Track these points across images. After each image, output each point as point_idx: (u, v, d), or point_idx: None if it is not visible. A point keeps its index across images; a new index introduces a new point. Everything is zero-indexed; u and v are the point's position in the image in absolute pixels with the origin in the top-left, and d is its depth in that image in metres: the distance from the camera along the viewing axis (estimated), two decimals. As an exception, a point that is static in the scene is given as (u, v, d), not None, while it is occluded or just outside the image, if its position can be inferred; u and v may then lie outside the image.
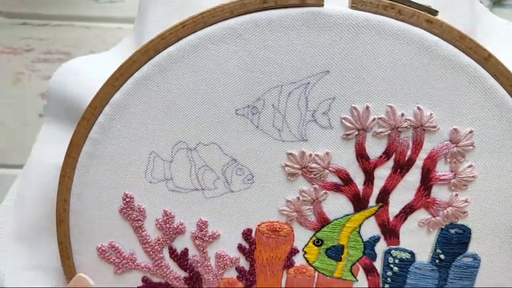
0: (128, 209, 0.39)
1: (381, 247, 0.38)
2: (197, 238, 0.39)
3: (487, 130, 0.35)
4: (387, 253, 0.38)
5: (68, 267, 0.40)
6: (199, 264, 0.40)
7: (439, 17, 0.33)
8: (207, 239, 0.39)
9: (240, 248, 0.39)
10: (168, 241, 0.39)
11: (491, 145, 0.35)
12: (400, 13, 0.33)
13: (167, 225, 0.39)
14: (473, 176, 0.36)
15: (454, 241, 0.37)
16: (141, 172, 0.38)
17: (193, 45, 0.34)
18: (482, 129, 0.35)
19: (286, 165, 0.36)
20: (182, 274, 0.40)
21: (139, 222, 0.39)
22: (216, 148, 0.36)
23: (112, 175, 0.38)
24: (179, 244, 0.40)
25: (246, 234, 0.39)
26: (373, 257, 0.39)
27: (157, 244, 0.39)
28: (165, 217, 0.39)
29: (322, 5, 0.33)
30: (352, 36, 0.33)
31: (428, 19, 0.33)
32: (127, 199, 0.38)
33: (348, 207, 0.37)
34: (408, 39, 0.33)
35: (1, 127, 0.42)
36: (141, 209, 0.39)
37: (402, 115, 0.35)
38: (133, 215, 0.39)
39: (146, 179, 0.38)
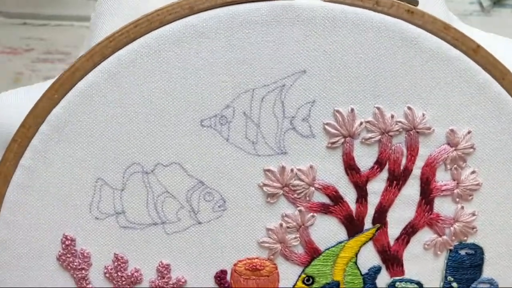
0: (68, 255, 0.31)
1: (383, 280, 0.32)
2: None
3: (487, 129, 0.31)
4: (391, 286, 0.32)
5: None
6: (161, 323, 0.31)
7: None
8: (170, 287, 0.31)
9: (213, 296, 0.31)
10: (120, 295, 0.31)
11: (493, 147, 0.31)
12: (378, 4, 0.30)
13: (119, 274, 0.31)
14: (477, 184, 0.31)
15: (466, 265, 0.32)
16: (85, 206, 0.31)
17: (148, 46, 0.30)
18: (481, 129, 0.31)
19: (264, 185, 0.31)
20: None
21: (83, 271, 0.31)
22: (179, 169, 0.30)
23: (49, 212, 0.31)
24: (135, 298, 0.31)
25: (220, 278, 0.31)
26: (375, 293, 0.32)
27: (106, 300, 0.31)
28: (116, 263, 0.31)
29: (292, -2, 0.30)
30: (329, 31, 0.30)
31: (408, 9, 0.30)
32: (67, 242, 0.31)
33: (341, 232, 0.31)
34: (389, 32, 0.30)
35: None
36: (85, 254, 0.31)
37: (392, 117, 0.31)
38: (75, 263, 0.31)
39: (92, 214, 0.31)
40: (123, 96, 0.30)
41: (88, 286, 0.31)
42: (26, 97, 0.34)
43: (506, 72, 0.31)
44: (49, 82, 0.36)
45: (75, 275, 0.31)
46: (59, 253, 0.31)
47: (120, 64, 0.30)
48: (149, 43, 0.30)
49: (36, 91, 0.35)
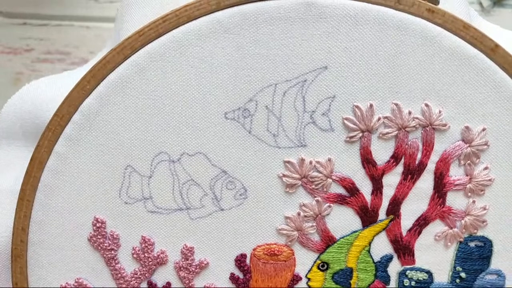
0: (99, 236, 0.33)
1: (394, 268, 0.34)
2: (182, 268, 0.33)
3: (501, 127, 0.32)
4: (402, 274, 0.33)
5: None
6: (184, 301, 0.34)
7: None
8: (193, 269, 0.33)
9: (233, 278, 0.33)
10: (147, 275, 0.33)
11: (507, 144, 0.32)
12: (399, 3, 0.31)
13: (146, 255, 0.33)
14: (489, 180, 0.32)
15: (474, 256, 0.33)
16: (115, 191, 0.32)
17: (176, 41, 0.31)
18: (496, 126, 0.32)
19: (284, 175, 0.32)
20: (164, 314, 0.34)
21: (112, 252, 0.33)
22: (203, 159, 0.32)
23: (81, 196, 0.32)
24: (160, 278, 0.34)
25: (240, 261, 0.33)
26: (387, 280, 0.34)
27: (133, 278, 0.33)
28: (143, 245, 0.33)
29: (316, -4, 0.31)
30: (350, 28, 0.31)
31: (429, 8, 0.31)
32: (98, 225, 0.33)
33: (356, 222, 0.33)
34: (410, 30, 0.31)
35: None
36: (115, 236, 0.33)
37: (409, 113, 0.32)
38: (105, 244, 0.33)
39: (121, 199, 0.32)
40: (152, 88, 0.31)
41: (117, 266, 0.33)
42: (58, 84, 0.36)
43: (523, 72, 0.31)
44: (79, 69, 0.38)
45: (105, 255, 0.33)
46: (90, 234, 0.33)
47: (149, 58, 0.31)
48: (177, 37, 0.31)
49: (65, 78, 0.36)
